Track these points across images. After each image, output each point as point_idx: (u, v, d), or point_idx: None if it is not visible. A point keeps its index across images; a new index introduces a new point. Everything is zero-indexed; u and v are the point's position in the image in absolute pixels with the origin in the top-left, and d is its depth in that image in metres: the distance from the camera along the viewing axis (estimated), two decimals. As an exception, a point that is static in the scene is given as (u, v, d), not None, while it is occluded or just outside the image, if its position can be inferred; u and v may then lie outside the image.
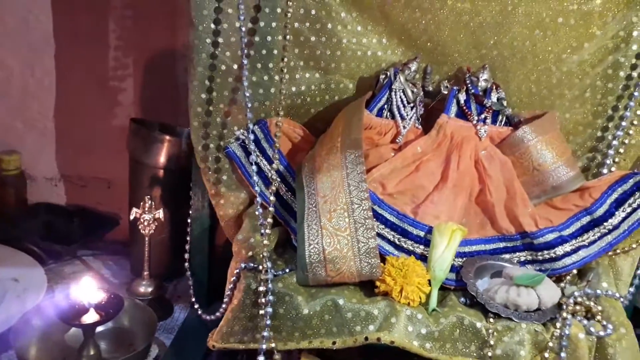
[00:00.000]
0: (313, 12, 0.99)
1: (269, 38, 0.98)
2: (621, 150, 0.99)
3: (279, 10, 0.97)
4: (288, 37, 0.97)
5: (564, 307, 0.84)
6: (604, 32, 0.96)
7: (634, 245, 0.95)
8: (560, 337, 0.81)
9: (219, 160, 1.02)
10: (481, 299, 0.86)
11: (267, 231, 0.89)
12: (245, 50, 0.95)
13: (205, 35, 0.97)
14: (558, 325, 0.82)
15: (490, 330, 0.82)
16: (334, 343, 0.82)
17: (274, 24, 0.98)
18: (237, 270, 0.89)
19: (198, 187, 1.07)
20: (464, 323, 0.82)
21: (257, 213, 0.91)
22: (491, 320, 0.83)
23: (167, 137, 1.19)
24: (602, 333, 0.82)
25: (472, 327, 0.82)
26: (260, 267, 0.86)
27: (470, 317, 0.82)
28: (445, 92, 1.01)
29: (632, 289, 0.97)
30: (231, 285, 0.90)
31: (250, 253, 0.90)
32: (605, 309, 0.85)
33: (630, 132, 0.98)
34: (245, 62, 0.94)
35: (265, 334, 0.82)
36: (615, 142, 0.99)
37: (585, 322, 0.83)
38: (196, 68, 0.98)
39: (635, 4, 0.94)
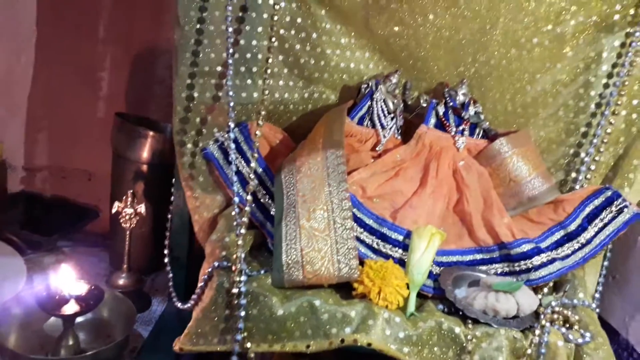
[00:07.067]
0: (299, 20, 1.01)
1: (254, 42, 0.99)
2: (592, 167, 1.01)
3: (265, 15, 0.99)
4: (273, 41, 0.98)
5: (542, 316, 0.84)
6: (575, 53, 1.01)
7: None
8: (539, 344, 0.80)
9: (197, 160, 1.00)
10: (460, 304, 0.84)
11: (243, 231, 0.87)
12: (230, 51, 0.95)
13: (190, 35, 0.97)
14: (537, 332, 0.81)
15: (468, 336, 0.80)
16: (308, 347, 0.79)
17: (259, 29, 0.99)
18: (210, 269, 0.86)
19: (180, 183, 1.06)
20: (442, 328, 0.80)
21: (233, 213, 0.89)
22: (470, 326, 0.82)
23: (151, 133, 1.20)
24: (580, 341, 0.81)
25: (451, 332, 0.80)
26: (234, 267, 0.83)
27: (448, 322, 0.81)
28: (425, 105, 1.03)
29: (597, 295, 0.99)
30: (202, 284, 0.86)
31: (224, 253, 0.87)
32: (582, 319, 0.85)
33: (601, 149, 1.01)
34: (230, 61, 0.94)
35: (237, 337, 0.79)
36: (587, 159, 1.01)
37: (563, 330, 0.83)
38: (179, 67, 0.98)
39: (605, 26, 0.99)
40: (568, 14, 0.98)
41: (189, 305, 0.88)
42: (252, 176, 0.93)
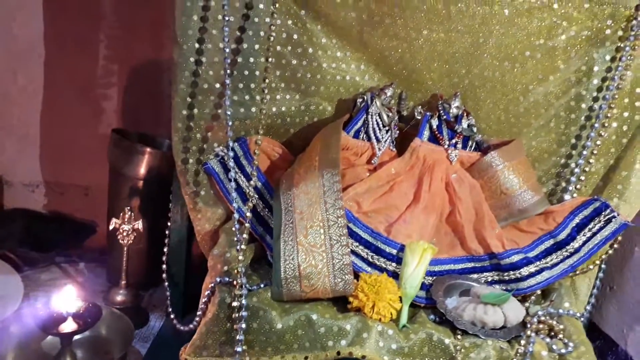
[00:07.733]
0: (295, 36, 1.03)
1: (251, 59, 1.02)
2: (582, 178, 1.04)
3: (262, 33, 1.01)
4: (270, 59, 1.01)
5: (528, 325, 0.88)
6: (567, 66, 1.03)
7: (591, 267, 1.00)
8: (524, 354, 0.84)
9: (198, 175, 1.04)
10: (450, 316, 0.88)
11: (243, 246, 0.91)
12: (228, 70, 0.98)
13: (189, 54, 0.99)
14: (522, 342, 0.85)
15: (458, 347, 0.85)
16: (306, 358, 0.84)
17: (256, 46, 1.01)
18: (212, 284, 0.90)
19: (177, 199, 1.09)
20: (432, 339, 0.85)
21: (233, 229, 0.93)
22: (459, 337, 0.86)
23: (148, 149, 1.21)
24: (563, 350, 0.85)
25: (441, 343, 0.85)
26: (235, 282, 0.87)
27: (439, 333, 0.85)
28: (419, 117, 1.06)
29: (589, 307, 1.02)
30: (205, 299, 0.91)
31: (225, 267, 0.91)
32: (566, 328, 0.89)
33: (591, 160, 1.03)
34: (227, 81, 0.97)
35: (238, 349, 0.83)
36: (577, 170, 1.04)
37: (547, 340, 0.87)
38: (179, 85, 1.01)
39: (596, 41, 1.01)
40: (559, 28, 1.00)
41: (191, 327, 0.92)
42: (251, 193, 0.96)
